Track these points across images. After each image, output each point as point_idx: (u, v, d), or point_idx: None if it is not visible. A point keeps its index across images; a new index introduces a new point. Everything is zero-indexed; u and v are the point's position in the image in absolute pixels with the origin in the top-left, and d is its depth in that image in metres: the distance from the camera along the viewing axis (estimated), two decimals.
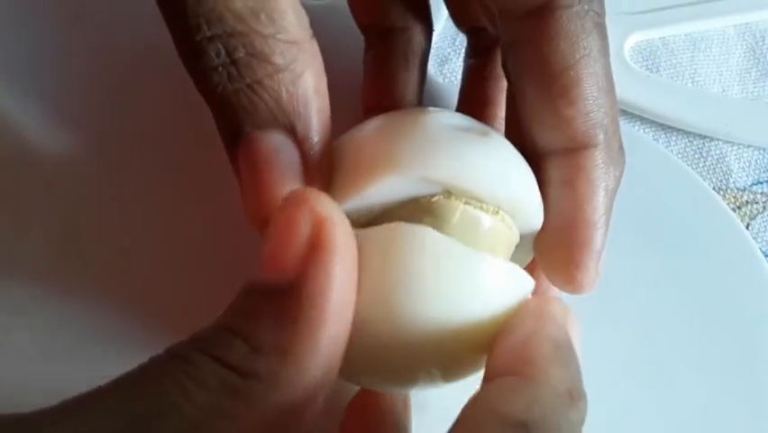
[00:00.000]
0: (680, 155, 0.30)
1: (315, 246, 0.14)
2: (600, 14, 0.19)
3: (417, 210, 0.18)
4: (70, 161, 0.28)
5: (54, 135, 0.28)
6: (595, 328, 0.25)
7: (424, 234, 0.17)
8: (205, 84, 0.16)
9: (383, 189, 0.18)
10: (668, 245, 0.27)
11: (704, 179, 0.29)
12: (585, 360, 0.24)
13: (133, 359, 0.14)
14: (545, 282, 0.21)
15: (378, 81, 0.25)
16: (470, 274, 0.17)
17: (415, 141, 0.18)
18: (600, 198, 0.19)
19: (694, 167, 0.30)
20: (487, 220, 0.18)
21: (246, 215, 0.17)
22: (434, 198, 0.18)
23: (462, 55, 0.27)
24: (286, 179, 0.17)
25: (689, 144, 0.30)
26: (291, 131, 0.17)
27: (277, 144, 0.17)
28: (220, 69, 0.16)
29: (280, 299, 0.14)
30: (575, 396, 0.16)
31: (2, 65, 0.30)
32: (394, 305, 0.16)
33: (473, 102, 0.26)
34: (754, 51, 0.33)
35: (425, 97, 0.26)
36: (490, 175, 0.18)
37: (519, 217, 0.19)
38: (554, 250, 0.20)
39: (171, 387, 0.13)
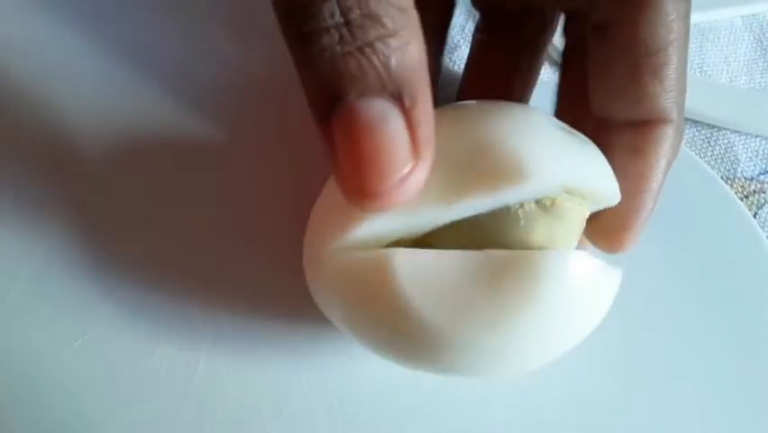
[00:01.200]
0: (688, 144, 0.30)
1: None
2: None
3: (540, 214, 0.19)
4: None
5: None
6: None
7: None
8: (309, 49, 0.15)
9: (507, 194, 0.18)
10: (675, 234, 0.27)
11: (712, 169, 0.29)
12: (590, 345, 0.25)
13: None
14: None
15: None
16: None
17: (537, 144, 0.19)
18: (663, 168, 0.21)
19: (702, 156, 0.30)
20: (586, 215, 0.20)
21: (344, 188, 0.16)
22: (557, 200, 0.19)
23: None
24: (395, 148, 0.16)
25: (697, 134, 0.31)
26: (398, 99, 0.16)
27: (384, 112, 0.16)
28: (332, 30, 0.15)
29: None
30: None
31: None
32: None
33: (485, 75, 0.26)
34: (761, 42, 0.33)
35: None
36: (605, 174, 0.20)
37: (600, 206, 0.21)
38: (613, 213, 0.21)
39: None
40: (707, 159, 0.30)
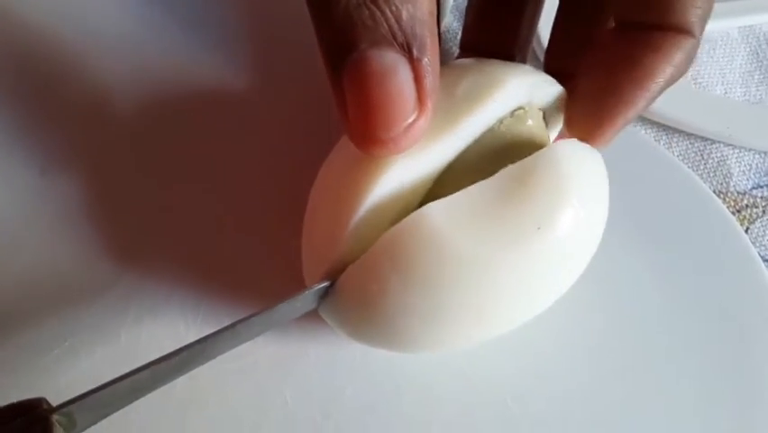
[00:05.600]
0: (681, 157, 0.30)
1: None
2: None
3: (517, 125, 0.21)
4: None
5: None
6: (591, 329, 0.25)
7: None
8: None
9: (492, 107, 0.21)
10: (667, 247, 0.27)
11: (704, 182, 0.29)
12: (580, 357, 0.25)
13: None
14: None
15: None
16: None
17: (500, 68, 0.21)
18: (668, 75, 0.21)
19: (695, 169, 0.30)
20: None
21: (352, 135, 0.18)
22: (526, 108, 0.22)
23: None
24: (402, 97, 0.17)
25: (690, 146, 0.30)
26: (407, 51, 0.17)
27: (393, 62, 0.17)
28: None
29: None
30: None
31: None
32: None
33: (488, 21, 0.26)
34: (757, 54, 0.32)
35: None
36: (555, 84, 0.23)
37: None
38: (602, 95, 0.21)
39: None
40: (699, 172, 0.30)
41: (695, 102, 0.31)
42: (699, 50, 0.32)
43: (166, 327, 0.24)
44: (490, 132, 0.21)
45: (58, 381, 0.24)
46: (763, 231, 0.29)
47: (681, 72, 0.21)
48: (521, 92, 0.22)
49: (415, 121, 0.17)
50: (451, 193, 0.20)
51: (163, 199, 0.27)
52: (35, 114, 0.28)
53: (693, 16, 0.20)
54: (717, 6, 0.33)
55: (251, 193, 0.27)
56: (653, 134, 0.30)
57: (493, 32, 0.26)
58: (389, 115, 0.17)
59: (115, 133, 0.28)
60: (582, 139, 0.22)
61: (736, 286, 0.26)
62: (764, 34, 0.33)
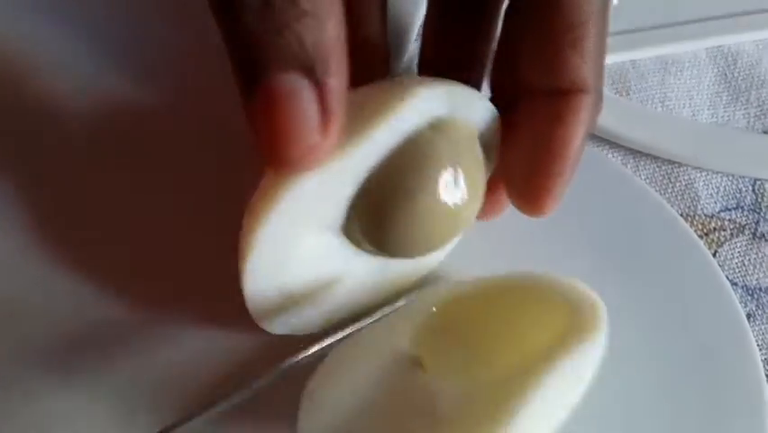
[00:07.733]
0: (648, 180, 0.30)
1: None
2: None
3: (437, 136, 0.21)
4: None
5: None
6: None
7: None
8: (233, 25, 0.17)
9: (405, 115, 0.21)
10: (633, 271, 0.27)
11: (672, 205, 0.29)
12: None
13: None
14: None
15: None
16: None
17: (419, 80, 0.22)
18: (582, 136, 0.22)
19: (662, 192, 0.30)
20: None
21: (264, 157, 0.18)
22: (445, 119, 0.22)
23: None
24: (305, 119, 0.17)
25: (657, 169, 0.30)
26: (311, 74, 0.17)
27: (297, 85, 0.17)
28: (254, 8, 0.17)
29: None
30: None
31: None
32: None
33: (444, 40, 0.26)
34: (725, 75, 0.32)
35: None
36: (478, 95, 0.23)
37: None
38: (530, 174, 0.22)
39: None
40: (667, 195, 0.30)
41: (662, 125, 0.31)
42: (665, 73, 0.32)
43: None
44: (410, 143, 0.21)
45: None
46: (731, 254, 0.29)
47: (593, 122, 0.22)
48: (437, 101, 0.21)
49: (320, 141, 0.18)
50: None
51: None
52: None
53: (583, 72, 0.21)
54: (684, 27, 0.33)
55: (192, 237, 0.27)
56: (620, 158, 0.30)
57: (448, 49, 0.26)
58: (293, 136, 0.18)
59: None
60: (527, 210, 0.23)
61: (704, 310, 0.26)
62: (732, 55, 0.33)
